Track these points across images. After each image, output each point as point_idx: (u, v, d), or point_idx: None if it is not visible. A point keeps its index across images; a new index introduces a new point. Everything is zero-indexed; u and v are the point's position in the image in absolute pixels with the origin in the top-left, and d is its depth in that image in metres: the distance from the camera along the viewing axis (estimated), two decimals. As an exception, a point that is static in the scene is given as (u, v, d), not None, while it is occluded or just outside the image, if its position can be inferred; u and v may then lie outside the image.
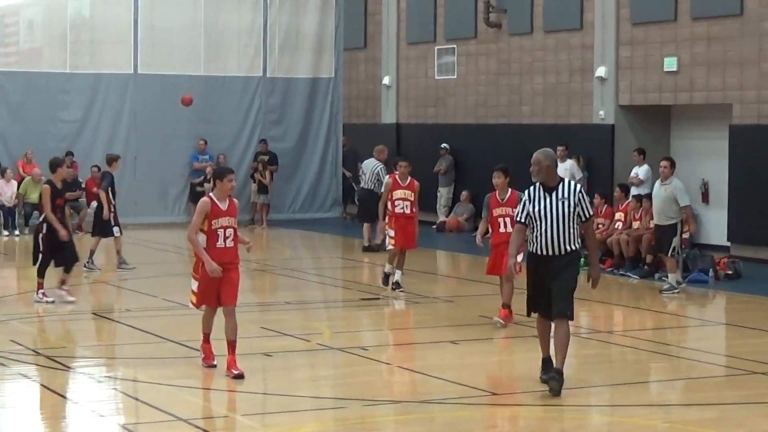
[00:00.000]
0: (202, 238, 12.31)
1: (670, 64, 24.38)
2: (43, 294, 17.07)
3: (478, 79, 29.39)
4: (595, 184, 24.57)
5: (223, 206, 12.37)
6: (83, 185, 28.52)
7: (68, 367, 13.29)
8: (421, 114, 31.39)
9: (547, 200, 11.51)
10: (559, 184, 11.66)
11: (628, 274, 21.11)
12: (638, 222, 21.72)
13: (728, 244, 23.06)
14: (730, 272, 20.40)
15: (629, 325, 17.38)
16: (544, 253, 11.52)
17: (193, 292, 12.53)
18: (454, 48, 30.14)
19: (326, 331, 15.74)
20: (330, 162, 32.11)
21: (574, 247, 11.58)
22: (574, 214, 11.52)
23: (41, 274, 17.21)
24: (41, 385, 12.63)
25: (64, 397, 12.19)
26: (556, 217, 11.45)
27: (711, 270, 19.99)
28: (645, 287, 20.00)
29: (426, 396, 11.84)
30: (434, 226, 28.69)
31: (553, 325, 11.73)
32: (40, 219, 17.40)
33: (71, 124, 29.49)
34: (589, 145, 25.74)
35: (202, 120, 30.27)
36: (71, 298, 17.28)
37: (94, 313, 16.95)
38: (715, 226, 23.61)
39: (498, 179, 16.26)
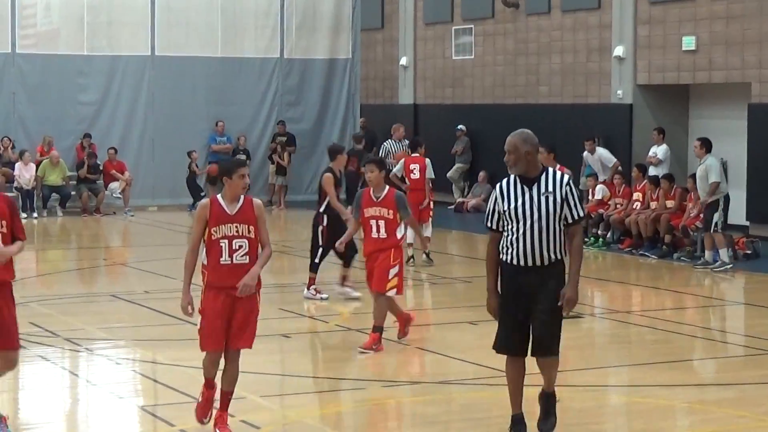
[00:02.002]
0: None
1: (689, 43, 24.31)
2: (316, 290, 16.24)
3: (496, 59, 29.35)
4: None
5: (231, 209, 9.28)
6: (101, 167, 28.57)
7: (87, 349, 13.36)
8: (439, 94, 31.36)
9: (526, 195, 8.94)
10: (541, 174, 9.03)
11: (647, 253, 21.13)
12: (656, 202, 21.71)
13: (747, 223, 23.01)
14: (749, 252, 20.41)
15: (648, 305, 17.37)
16: (522, 263, 8.94)
17: (199, 331, 9.46)
18: (471, 28, 30.09)
19: (344, 312, 15.74)
20: (347, 142, 32.07)
21: (559, 256, 9.01)
22: (560, 213, 8.95)
23: (315, 269, 16.27)
24: (60, 367, 12.70)
25: (83, 378, 12.24)
26: (537, 217, 8.89)
27: (729, 249, 19.95)
28: (663, 267, 20.01)
29: (444, 377, 11.85)
30: (451, 206, 28.69)
31: (535, 361, 9.26)
32: (320, 210, 16.08)
33: (89, 107, 29.54)
34: (608, 124, 25.68)
35: (220, 102, 30.30)
36: (356, 294, 16.16)
37: (113, 295, 16.98)
38: (734, 206, 23.47)
39: (371, 173, 12.88)
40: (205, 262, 9.28)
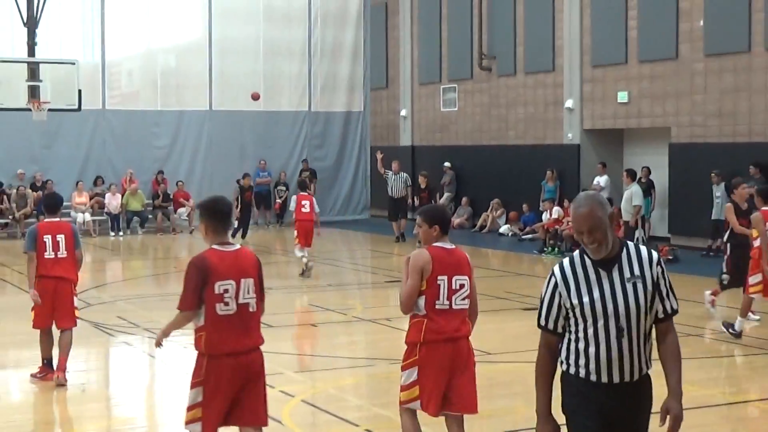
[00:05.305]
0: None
1: (623, 97, 24.32)
2: None
3: (474, 111, 29.36)
4: (566, 191, 24.55)
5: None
6: (171, 196, 28.65)
7: (161, 337, 13.38)
8: (430, 138, 31.37)
9: (605, 283, 4.76)
10: (621, 251, 4.82)
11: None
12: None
13: (669, 235, 22.99)
14: (670, 257, 20.34)
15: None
16: (603, 378, 4.77)
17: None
18: (455, 87, 30.12)
19: (359, 306, 15.74)
20: (360, 176, 32.16)
21: (649, 367, 4.88)
22: (652, 305, 4.83)
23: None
24: (140, 350, 12.73)
25: (157, 360, 12.25)
26: (624, 315, 4.73)
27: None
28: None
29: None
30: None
31: None
32: (724, 239, 13.74)
33: (161, 150, 29.56)
34: (561, 160, 25.68)
35: (262, 145, 30.35)
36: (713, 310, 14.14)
37: (181, 295, 17.02)
38: (659, 222, 23.53)
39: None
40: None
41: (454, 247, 6.85)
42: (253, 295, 6.29)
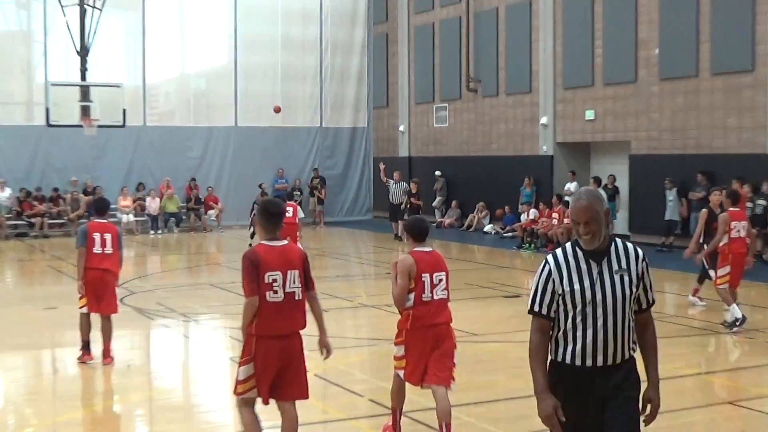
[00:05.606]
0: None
1: (590, 114, 24.35)
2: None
3: (462, 126, 29.40)
4: (541, 196, 24.58)
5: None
6: (202, 200, 28.69)
7: (194, 320, 13.43)
8: (425, 150, 31.40)
9: (594, 273, 4.50)
10: (610, 246, 4.58)
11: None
12: (568, 219, 21.64)
13: (629, 233, 23.02)
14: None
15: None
16: (588, 362, 4.50)
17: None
18: (446, 106, 30.14)
19: (364, 294, 15.77)
20: (365, 182, 32.15)
21: (632, 352, 4.60)
22: (635, 296, 4.58)
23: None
24: (176, 332, 12.78)
25: (191, 340, 12.30)
26: (612, 302, 4.48)
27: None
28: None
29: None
30: (434, 224, 28.76)
31: None
32: (700, 240, 12.83)
33: (194, 160, 29.55)
34: (537, 169, 25.71)
35: (280, 156, 30.33)
36: (702, 304, 13.69)
37: (210, 284, 17.05)
38: (621, 221, 23.57)
39: None
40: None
41: (431, 249, 7.16)
42: (299, 284, 6.27)
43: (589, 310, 4.46)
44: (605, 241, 4.53)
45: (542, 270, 4.56)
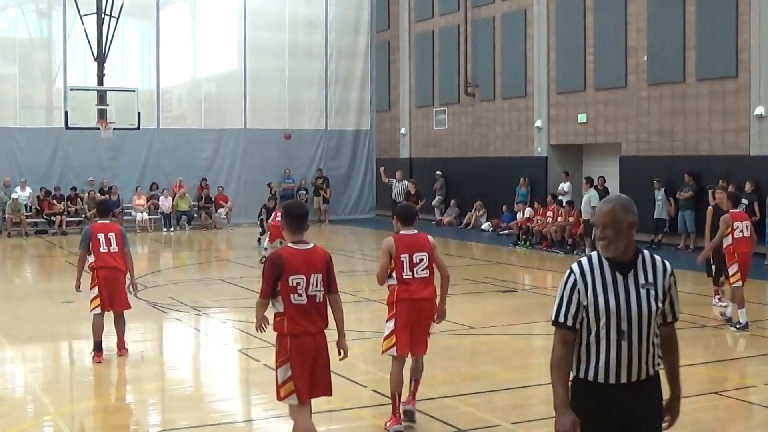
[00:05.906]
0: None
1: (582, 118, 24.32)
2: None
3: (461, 129, 29.37)
4: (536, 195, 24.55)
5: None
6: (213, 199, 28.68)
7: (204, 314, 13.42)
8: (425, 152, 31.37)
9: (620, 286, 4.05)
10: (636, 257, 4.12)
11: (556, 251, 21.12)
12: (561, 218, 21.74)
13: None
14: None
15: (556, 283, 17.25)
16: (611, 380, 4.05)
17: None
18: (445, 109, 30.12)
19: (366, 289, 15.74)
20: (368, 182, 32.14)
21: (656, 368, 4.19)
22: (660, 311, 4.14)
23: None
24: (187, 324, 12.77)
25: (202, 332, 12.30)
26: (636, 318, 4.03)
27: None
28: (566, 259, 19.95)
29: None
30: (434, 222, 28.74)
31: None
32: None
33: (205, 161, 29.55)
34: (532, 170, 25.68)
35: (287, 157, 30.31)
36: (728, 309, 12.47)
37: (221, 279, 17.05)
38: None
39: None
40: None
41: (416, 232, 7.44)
42: (321, 288, 6.11)
43: (613, 324, 4.02)
44: (630, 253, 4.09)
45: (567, 279, 4.14)
